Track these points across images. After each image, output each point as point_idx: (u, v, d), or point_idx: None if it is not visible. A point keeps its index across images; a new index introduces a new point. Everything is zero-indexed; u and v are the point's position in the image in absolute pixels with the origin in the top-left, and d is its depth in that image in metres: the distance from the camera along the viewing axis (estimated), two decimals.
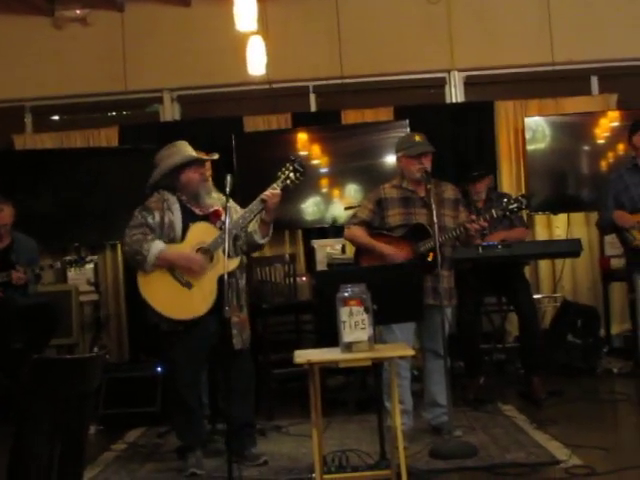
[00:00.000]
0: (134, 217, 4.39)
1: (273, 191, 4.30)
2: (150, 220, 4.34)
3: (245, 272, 4.60)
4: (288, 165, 4.36)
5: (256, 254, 5.46)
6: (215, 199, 4.47)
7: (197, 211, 4.40)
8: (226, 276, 3.98)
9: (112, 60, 7.43)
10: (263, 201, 4.29)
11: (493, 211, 4.70)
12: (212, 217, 4.33)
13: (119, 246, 7.23)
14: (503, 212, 4.68)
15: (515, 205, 4.66)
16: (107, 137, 7.38)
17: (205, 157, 4.51)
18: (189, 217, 4.37)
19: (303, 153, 6.96)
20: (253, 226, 4.40)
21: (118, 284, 7.29)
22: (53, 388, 1.98)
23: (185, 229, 4.33)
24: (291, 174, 4.34)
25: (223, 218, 4.32)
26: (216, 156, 4.55)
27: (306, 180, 4.58)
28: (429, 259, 4.58)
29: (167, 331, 4.29)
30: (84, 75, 7.39)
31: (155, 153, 6.72)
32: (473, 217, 4.75)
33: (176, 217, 4.35)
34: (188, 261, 4.26)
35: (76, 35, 7.47)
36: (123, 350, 7.23)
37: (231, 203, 4.48)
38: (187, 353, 4.28)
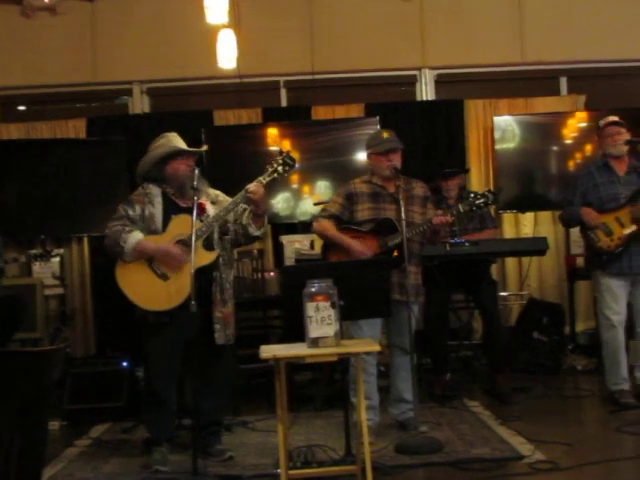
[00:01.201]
0: (117, 210, 4.40)
1: (257, 184, 4.28)
2: (131, 212, 4.34)
3: (233, 267, 4.61)
4: (278, 158, 4.35)
5: None
6: (208, 193, 4.48)
7: (181, 203, 4.39)
8: (192, 270, 3.98)
9: (81, 51, 7.36)
10: (247, 194, 4.27)
11: (460, 206, 4.72)
12: (197, 210, 4.29)
13: (86, 239, 7.18)
14: (470, 207, 4.70)
15: (482, 200, 4.68)
16: (75, 129, 7.30)
17: (191, 149, 4.48)
18: (172, 209, 4.37)
19: (273, 148, 6.96)
20: (247, 219, 4.38)
21: (84, 278, 7.22)
22: (11, 381, 1.95)
23: (167, 221, 4.33)
24: (280, 167, 4.33)
25: (207, 211, 4.34)
26: (204, 148, 4.53)
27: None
28: (395, 254, 4.59)
29: (150, 323, 4.28)
30: (52, 65, 7.30)
31: (123, 146, 6.80)
32: (439, 212, 4.77)
33: (157, 209, 4.36)
34: (166, 253, 4.25)
35: (45, 24, 7.37)
36: (89, 344, 7.16)
37: (223, 197, 4.49)
38: (165, 346, 4.27)
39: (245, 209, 4.39)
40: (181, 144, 4.46)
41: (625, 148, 5.27)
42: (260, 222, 4.40)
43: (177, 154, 4.40)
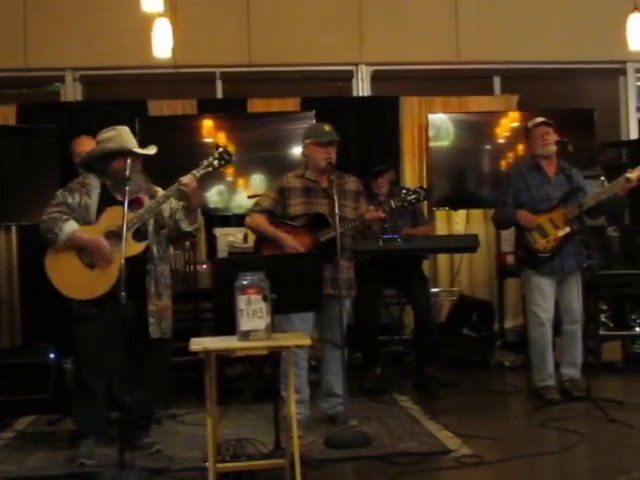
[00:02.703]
0: (55, 196, 4.37)
1: (191, 177, 4.24)
2: (70, 200, 4.31)
3: (169, 261, 4.59)
4: (214, 153, 4.32)
5: None
6: (148, 188, 4.45)
7: (118, 197, 4.32)
8: (123, 261, 3.93)
9: (12, 35, 7.14)
10: (180, 186, 4.23)
11: (392, 202, 4.77)
12: (133, 204, 4.25)
13: (14, 228, 7.02)
14: (402, 203, 4.75)
15: (414, 197, 4.74)
16: (4, 115, 7.10)
17: (143, 152, 4.40)
18: (108, 201, 4.33)
19: (208, 140, 6.90)
20: (180, 214, 4.35)
21: (11, 268, 7.04)
22: None
23: (101, 212, 4.30)
24: (215, 162, 4.30)
25: (145, 205, 4.32)
26: (154, 150, 4.45)
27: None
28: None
29: (78, 313, 4.24)
30: None
31: (54, 133, 6.66)
32: (372, 207, 4.80)
33: (93, 201, 4.32)
34: (97, 246, 4.21)
35: None
36: (15, 335, 7.00)
37: (162, 193, 4.45)
38: (95, 337, 4.22)
39: (180, 205, 4.37)
40: (132, 141, 4.41)
41: (554, 148, 5.37)
42: (192, 218, 4.38)
43: (127, 153, 4.31)
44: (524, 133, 5.64)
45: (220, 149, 4.34)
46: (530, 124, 5.49)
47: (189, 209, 4.34)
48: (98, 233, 4.26)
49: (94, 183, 4.37)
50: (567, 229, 5.28)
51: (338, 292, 4.56)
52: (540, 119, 5.44)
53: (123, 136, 4.39)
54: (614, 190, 5.25)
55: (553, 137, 5.37)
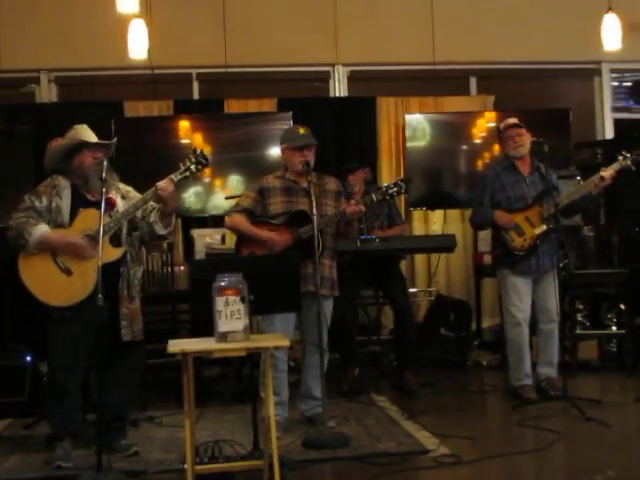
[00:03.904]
0: (22, 201, 4.32)
1: (168, 181, 4.23)
2: (37, 204, 4.27)
3: (142, 263, 4.57)
4: (191, 157, 4.30)
5: None
6: (118, 187, 4.43)
7: (89, 197, 4.31)
8: (100, 263, 3.91)
9: None
10: (157, 191, 4.21)
11: (373, 195, 4.77)
12: (106, 205, 4.20)
13: None
14: (383, 196, 4.76)
15: (395, 189, 4.75)
16: None
17: (95, 141, 4.37)
18: (80, 202, 4.30)
19: (185, 141, 6.88)
20: (155, 217, 4.34)
21: None
22: None
23: (74, 214, 4.26)
24: (192, 166, 4.28)
25: (117, 207, 4.30)
26: (113, 141, 4.44)
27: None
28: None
29: (53, 316, 4.21)
30: None
31: (28, 135, 6.60)
32: (352, 202, 4.81)
33: (64, 202, 4.29)
34: (72, 245, 4.19)
35: None
36: None
37: (134, 193, 4.44)
38: (70, 340, 4.19)
39: (155, 207, 4.35)
40: (89, 136, 4.38)
41: (526, 149, 5.41)
42: (167, 221, 4.37)
43: (83, 146, 4.32)
44: (497, 134, 5.67)
45: (197, 152, 4.32)
46: (502, 126, 5.53)
47: (165, 213, 4.32)
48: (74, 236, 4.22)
49: (63, 184, 4.33)
50: (544, 227, 5.31)
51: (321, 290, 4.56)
52: (511, 121, 5.46)
53: (80, 132, 4.38)
54: (588, 189, 5.29)
55: (525, 138, 5.40)
